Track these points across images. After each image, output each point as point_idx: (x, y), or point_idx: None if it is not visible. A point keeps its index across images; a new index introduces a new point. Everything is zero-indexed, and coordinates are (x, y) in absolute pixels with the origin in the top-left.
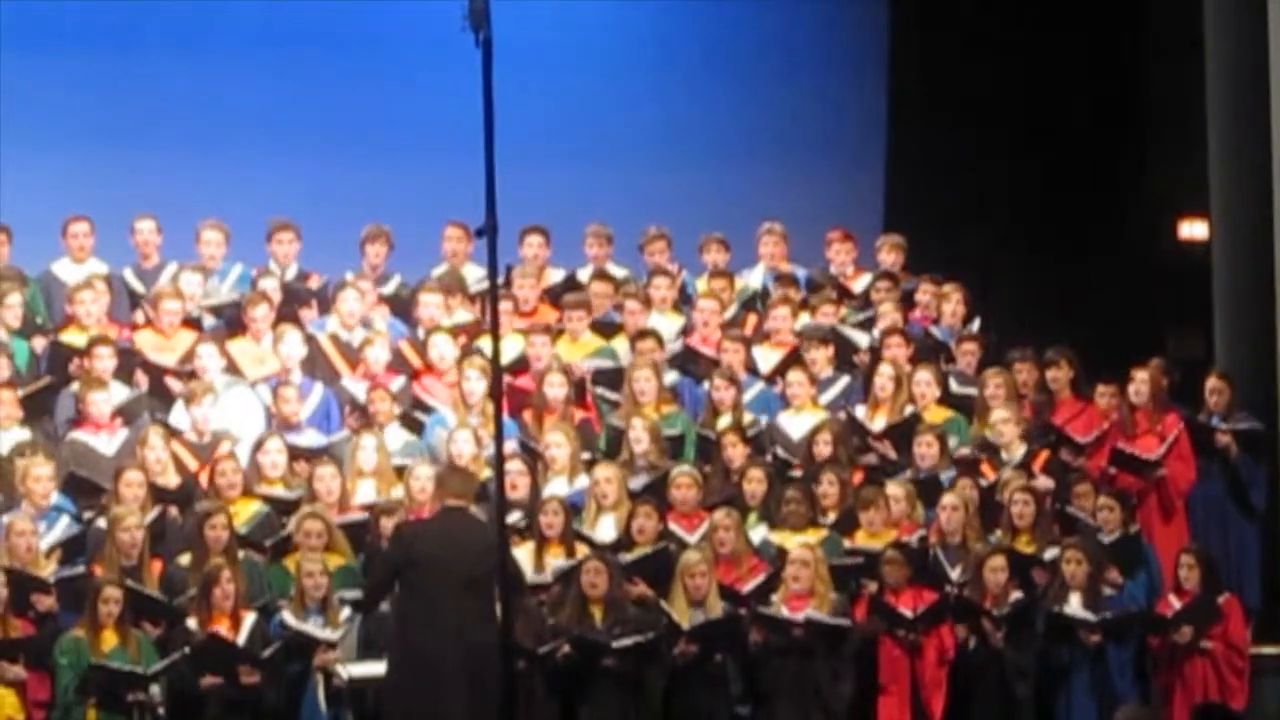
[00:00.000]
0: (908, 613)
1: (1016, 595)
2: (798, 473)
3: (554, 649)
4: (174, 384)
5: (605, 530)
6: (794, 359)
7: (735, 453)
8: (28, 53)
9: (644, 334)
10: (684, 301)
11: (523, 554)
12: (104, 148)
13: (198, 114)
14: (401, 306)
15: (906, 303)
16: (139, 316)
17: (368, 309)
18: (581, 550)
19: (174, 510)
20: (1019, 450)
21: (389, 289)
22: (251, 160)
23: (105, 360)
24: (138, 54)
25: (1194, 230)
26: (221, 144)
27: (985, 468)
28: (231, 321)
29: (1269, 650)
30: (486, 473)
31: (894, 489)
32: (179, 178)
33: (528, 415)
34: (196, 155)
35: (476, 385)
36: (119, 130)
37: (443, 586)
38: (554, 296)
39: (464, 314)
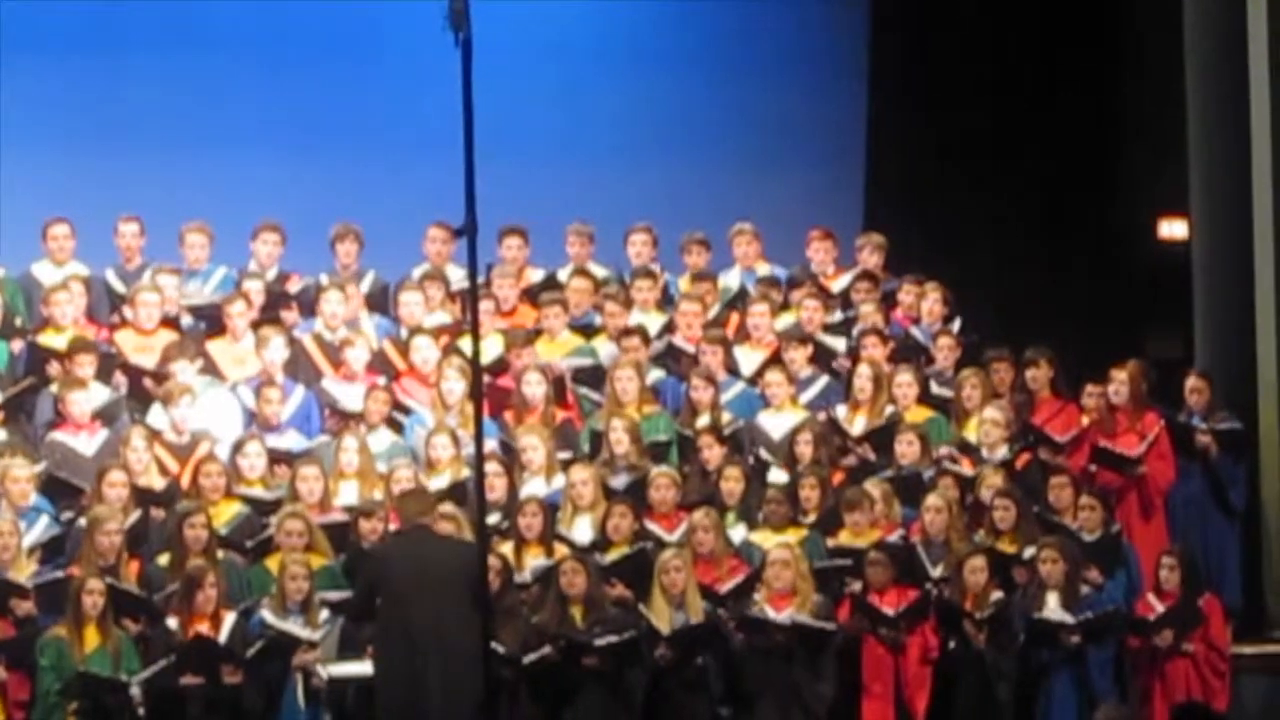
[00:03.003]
0: (890, 611)
1: (997, 595)
2: (780, 474)
3: (539, 658)
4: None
5: (582, 531)
6: (774, 359)
7: (711, 454)
8: (10, 54)
9: (629, 331)
10: (666, 301)
11: (502, 554)
12: (87, 149)
13: (181, 116)
14: (379, 303)
15: (888, 303)
16: (118, 318)
17: (352, 311)
18: (560, 551)
19: (156, 510)
20: (1000, 450)
21: (364, 287)
22: (234, 162)
23: (86, 366)
24: (121, 56)
25: (1173, 229)
26: (204, 146)
27: (965, 464)
28: (211, 322)
29: (1248, 650)
30: (466, 473)
31: (871, 489)
32: (161, 179)
33: (509, 416)
34: (179, 157)
35: (455, 386)
36: (101, 132)
37: (417, 603)
38: (534, 296)
39: (443, 315)
